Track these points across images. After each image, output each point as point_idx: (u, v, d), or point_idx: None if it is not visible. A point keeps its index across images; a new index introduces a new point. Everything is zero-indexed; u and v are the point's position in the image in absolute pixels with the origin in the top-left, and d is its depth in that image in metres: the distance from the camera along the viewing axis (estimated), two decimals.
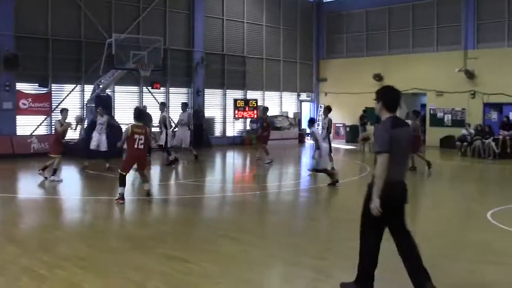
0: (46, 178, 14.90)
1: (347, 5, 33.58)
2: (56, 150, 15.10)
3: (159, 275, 6.84)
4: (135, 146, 11.80)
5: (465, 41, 28.28)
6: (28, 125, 22.80)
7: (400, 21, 31.13)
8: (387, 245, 6.24)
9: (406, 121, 7.39)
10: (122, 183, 11.75)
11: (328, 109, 18.69)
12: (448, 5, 29.15)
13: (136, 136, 11.77)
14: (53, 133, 16.66)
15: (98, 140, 17.31)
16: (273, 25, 32.36)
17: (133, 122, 12.17)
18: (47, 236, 9.09)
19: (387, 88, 6.24)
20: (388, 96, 6.10)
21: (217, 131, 29.96)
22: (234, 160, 24.28)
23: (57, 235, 9.17)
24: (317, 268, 7.25)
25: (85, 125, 21.96)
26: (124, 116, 24.85)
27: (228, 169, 21.37)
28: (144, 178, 12.39)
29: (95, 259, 7.57)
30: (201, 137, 25.88)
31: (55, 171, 14.94)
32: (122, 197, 11.63)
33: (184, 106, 20.11)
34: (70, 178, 16.85)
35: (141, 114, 12.77)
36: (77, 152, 20.42)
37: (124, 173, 11.84)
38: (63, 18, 23.67)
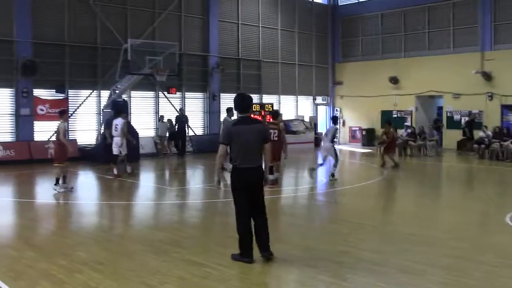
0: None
1: (362, 9, 33.51)
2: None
3: (176, 279, 6.85)
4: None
5: (482, 42, 28.06)
6: (45, 130, 22.97)
7: (415, 23, 30.96)
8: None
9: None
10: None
11: None
12: (464, 6, 28.96)
13: (271, 131, 13.51)
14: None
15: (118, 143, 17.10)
16: (288, 29, 32.38)
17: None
18: (65, 240, 9.15)
19: (238, 95, 7.99)
20: (236, 101, 7.75)
21: None
22: None
23: (74, 240, 9.22)
24: (334, 272, 7.21)
25: (102, 131, 22.25)
26: (140, 121, 25.09)
27: None
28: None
29: (112, 263, 7.61)
30: (183, 143, 25.21)
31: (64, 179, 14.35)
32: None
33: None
34: (88, 183, 16.98)
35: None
36: (97, 157, 20.70)
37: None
38: (79, 24, 23.86)
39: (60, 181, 14.05)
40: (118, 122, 17.10)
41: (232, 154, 7.56)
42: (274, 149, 14.05)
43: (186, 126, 25.25)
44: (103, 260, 7.75)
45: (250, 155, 7.46)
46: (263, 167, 7.77)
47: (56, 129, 14.46)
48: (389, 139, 20.81)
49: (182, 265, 7.44)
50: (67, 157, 14.25)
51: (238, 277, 7.01)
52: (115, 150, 17.04)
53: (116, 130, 17.05)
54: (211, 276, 7.00)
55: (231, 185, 7.62)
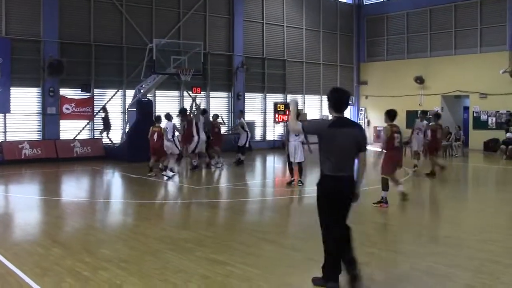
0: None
1: (387, 8, 33.28)
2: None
3: (200, 278, 6.85)
4: (394, 145, 12.31)
5: (510, 41, 27.64)
6: (71, 129, 23.23)
7: (441, 22, 30.64)
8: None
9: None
10: (386, 187, 12.08)
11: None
12: (492, 4, 28.55)
13: (395, 135, 12.31)
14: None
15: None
16: (313, 28, 32.28)
17: (390, 122, 12.62)
18: (90, 238, 9.23)
19: (334, 89, 6.51)
20: (334, 97, 6.38)
21: (258, 135, 29.95)
22: (274, 164, 24.23)
23: (99, 237, 9.30)
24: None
25: (127, 130, 22.40)
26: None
27: (268, 172, 21.34)
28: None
29: (136, 261, 7.64)
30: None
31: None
32: (385, 201, 12.02)
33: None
34: (114, 182, 17.09)
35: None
36: (119, 155, 20.86)
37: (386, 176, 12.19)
38: (105, 24, 24.11)
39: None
40: (169, 125, 18.54)
41: (321, 159, 6.40)
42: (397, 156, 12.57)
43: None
44: (128, 258, 7.79)
45: (343, 163, 6.31)
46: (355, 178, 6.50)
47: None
48: (432, 136, 17.97)
49: (206, 264, 7.44)
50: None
51: (262, 276, 6.98)
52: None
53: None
54: (234, 274, 7.00)
55: (317, 194, 6.50)
